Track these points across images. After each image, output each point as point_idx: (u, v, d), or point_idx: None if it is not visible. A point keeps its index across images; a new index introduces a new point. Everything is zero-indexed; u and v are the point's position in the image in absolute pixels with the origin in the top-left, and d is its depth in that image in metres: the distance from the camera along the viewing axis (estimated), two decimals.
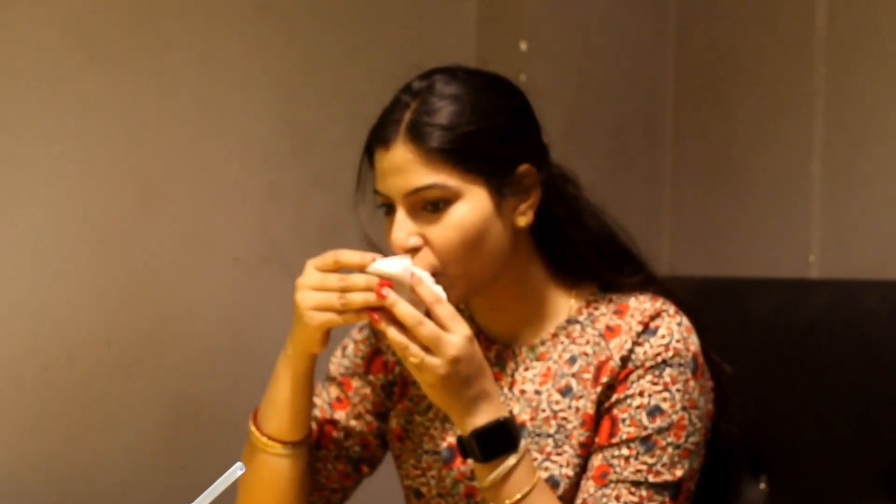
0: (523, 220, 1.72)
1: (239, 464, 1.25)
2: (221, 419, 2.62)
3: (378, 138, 1.75)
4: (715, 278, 2.51)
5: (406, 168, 1.69)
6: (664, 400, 1.67)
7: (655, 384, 1.68)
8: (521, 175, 1.71)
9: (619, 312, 1.73)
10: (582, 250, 1.77)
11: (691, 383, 1.69)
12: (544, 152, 1.76)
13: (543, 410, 1.72)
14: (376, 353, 1.85)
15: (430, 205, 1.68)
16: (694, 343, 1.71)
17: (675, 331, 1.70)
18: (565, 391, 1.72)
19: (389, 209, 1.73)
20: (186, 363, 2.66)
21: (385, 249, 1.76)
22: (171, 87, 2.66)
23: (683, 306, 1.74)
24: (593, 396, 1.70)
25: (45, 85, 2.55)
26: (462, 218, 1.68)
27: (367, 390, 1.84)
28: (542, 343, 1.76)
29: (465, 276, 1.69)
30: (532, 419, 1.72)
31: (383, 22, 2.86)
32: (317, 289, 1.69)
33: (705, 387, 1.72)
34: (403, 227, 1.70)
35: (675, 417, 1.67)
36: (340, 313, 1.67)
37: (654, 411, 1.67)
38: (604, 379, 1.70)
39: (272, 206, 2.76)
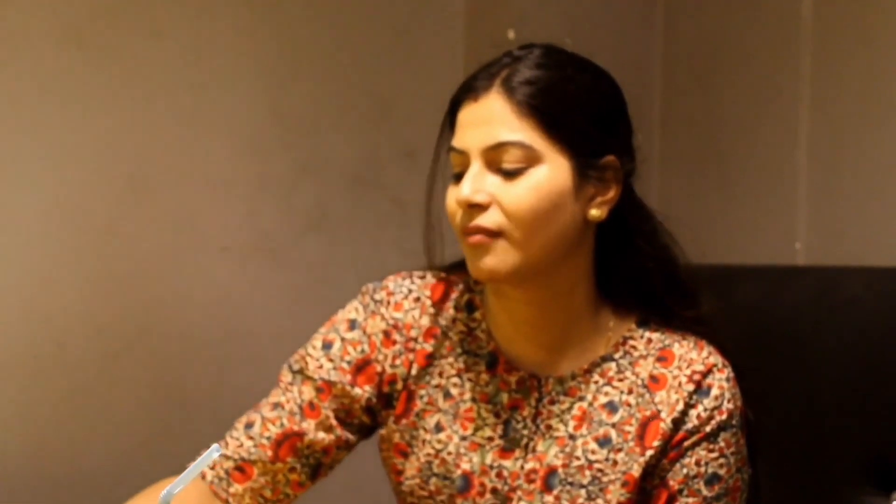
0: (597, 213, 1.61)
1: (216, 445, 1.27)
2: (210, 407, 2.63)
3: (469, 89, 1.62)
4: (701, 265, 2.51)
5: (493, 119, 1.57)
6: (720, 466, 1.61)
7: (711, 451, 1.60)
8: (606, 165, 1.61)
9: (663, 360, 1.63)
10: (647, 267, 1.65)
11: (741, 441, 1.63)
12: (633, 155, 1.66)
13: (578, 458, 1.62)
14: (367, 363, 1.68)
15: (508, 168, 1.56)
16: (740, 397, 1.64)
17: (727, 389, 1.62)
18: (603, 441, 1.62)
19: (458, 177, 1.60)
20: (175, 352, 2.66)
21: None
22: (159, 76, 2.66)
23: (725, 351, 1.66)
24: (640, 460, 1.60)
25: (32, 75, 2.55)
26: (540, 182, 1.56)
27: (347, 402, 1.67)
28: (573, 377, 1.64)
29: (526, 245, 1.56)
30: (565, 465, 1.62)
31: (371, 11, 2.86)
32: None
33: (745, 433, 1.67)
34: (474, 182, 1.57)
35: (731, 482, 1.62)
36: None
37: (712, 479, 1.60)
38: (655, 442, 1.60)
39: (260, 195, 2.76)
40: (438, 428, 1.66)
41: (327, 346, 1.69)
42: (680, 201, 2.86)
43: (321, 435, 1.66)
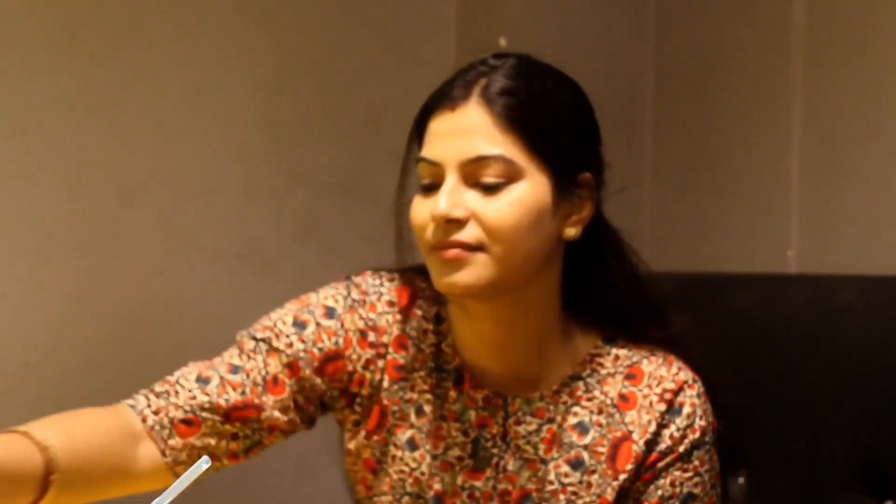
0: (571, 232, 1.55)
1: (204, 458, 1.22)
2: None
3: (444, 97, 1.53)
4: (694, 273, 2.51)
5: (473, 132, 1.50)
6: (696, 485, 1.58)
7: (686, 471, 1.57)
8: (582, 182, 1.55)
9: (632, 378, 1.59)
10: (617, 286, 1.60)
11: (714, 457, 1.60)
12: (603, 171, 1.59)
13: (551, 482, 1.58)
14: (339, 356, 1.60)
15: (488, 183, 1.50)
16: (711, 412, 1.60)
17: (698, 405, 1.58)
18: (576, 463, 1.58)
19: (428, 189, 1.53)
20: (165, 360, 2.63)
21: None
22: (149, 85, 2.66)
23: (695, 365, 1.61)
24: (614, 483, 1.57)
25: (23, 83, 2.54)
26: (521, 197, 1.50)
27: (307, 387, 1.59)
28: (541, 398, 1.59)
29: (505, 261, 1.50)
30: (538, 490, 1.58)
31: (363, 18, 2.86)
32: None
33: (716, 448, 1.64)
34: (451, 197, 1.50)
35: (706, 500, 1.59)
36: None
37: (688, 499, 1.58)
38: (628, 466, 1.57)
39: (250, 204, 2.76)
40: (412, 446, 1.61)
41: (300, 325, 1.60)
42: (672, 209, 2.86)
43: (276, 414, 1.57)
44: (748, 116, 2.66)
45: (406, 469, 1.61)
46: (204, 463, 1.20)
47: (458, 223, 1.50)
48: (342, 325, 1.60)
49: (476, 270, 1.50)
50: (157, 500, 1.20)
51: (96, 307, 2.61)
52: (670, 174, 2.87)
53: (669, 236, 2.86)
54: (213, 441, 1.55)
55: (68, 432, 1.46)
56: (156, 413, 1.54)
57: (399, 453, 1.61)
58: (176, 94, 2.68)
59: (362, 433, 1.62)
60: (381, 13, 2.87)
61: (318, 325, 1.60)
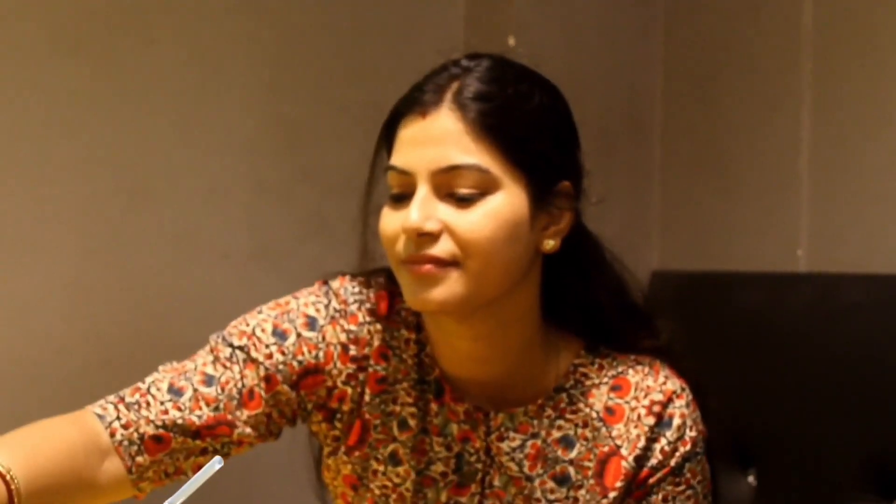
0: (550, 244, 1.49)
1: (217, 458, 1.21)
2: None
3: (413, 102, 1.47)
4: (703, 272, 2.51)
5: (445, 139, 1.43)
6: (688, 498, 1.52)
7: (678, 485, 1.52)
8: (560, 192, 1.49)
9: (618, 389, 1.53)
10: (600, 299, 1.54)
11: (706, 466, 1.55)
12: (582, 179, 1.53)
13: (538, 500, 1.52)
14: (318, 370, 1.54)
15: (462, 194, 1.43)
16: (700, 420, 1.55)
17: (688, 416, 1.52)
18: (562, 479, 1.53)
19: (398, 199, 1.47)
20: (176, 359, 2.65)
21: (377, 253, 1.55)
22: (156, 83, 2.66)
23: (683, 370, 1.57)
24: (603, 501, 1.52)
25: (29, 82, 2.55)
26: (497, 210, 1.43)
27: (283, 401, 1.53)
28: (525, 413, 1.53)
29: (480, 277, 1.43)
30: None
31: (370, 17, 2.85)
32: None
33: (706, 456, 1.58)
34: (423, 208, 1.43)
35: None
36: None
37: None
38: (617, 483, 1.51)
39: (259, 202, 2.76)
40: (396, 461, 1.55)
41: (280, 335, 1.53)
42: (681, 208, 2.86)
43: (248, 430, 1.51)
44: (757, 115, 2.66)
45: (389, 484, 1.55)
46: (217, 463, 1.19)
47: (431, 236, 1.43)
48: (323, 339, 1.53)
49: (450, 287, 1.43)
50: (168, 500, 1.19)
51: (104, 304, 2.61)
52: (678, 172, 2.87)
53: (678, 235, 2.86)
54: (181, 456, 1.50)
55: (32, 457, 1.40)
56: (125, 427, 1.48)
57: (381, 468, 1.55)
58: (184, 92, 2.68)
59: (342, 449, 1.56)
60: (389, 12, 2.87)
61: (298, 335, 1.53)
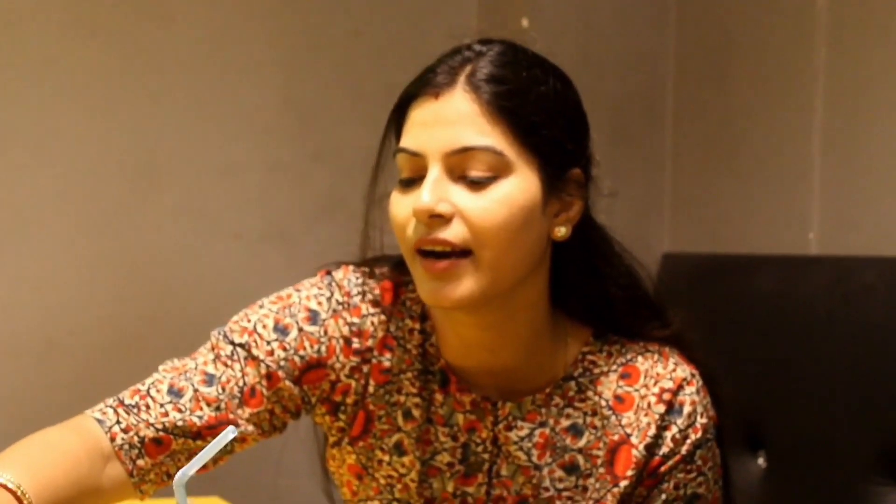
0: (561, 232, 1.46)
1: (231, 427, 1.20)
2: None
3: (425, 84, 1.44)
4: (715, 255, 2.51)
5: (459, 121, 1.40)
6: (699, 485, 1.51)
7: (689, 472, 1.50)
8: (572, 179, 1.46)
9: (627, 377, 1.52)
10: (609, 290, 1.52)
11: (717, 452, 1.54)
12: (592, 167, 1.51)
13: (547, 489, 1.51)
14: (320, 365, 1.51)
15: (474, 177, 1.40)
16: (711, 406, 1.53)
17: (699, 402, 1.51)
18: (570, 468, 1.51)
19: (408, 183, 1.44)
20: (188, 339, 2.65)
21: (388, 239, 1.53)
22: (172, 64, 2.67)
23: (693, 355, 1.55)
24: (615, 490, 1.50)
25: (46, 61, 2.55)
26: (511, 195, 1.40)
27: (285, 397, 1.51)
28: (533, 402, 1.51)
29: (495, 266, 1.40)
30: (534, 496, 1.51)
31: (384, 0, 2.86)
32: None
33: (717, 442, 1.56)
34: (435, 190, 1.39)
35: (710, 497, 1.53)
36: None
37: (692, 500, 1.51)
38: (628, 472, 1.50)
39: (273, 183, 2.77)
40: (400, 451, 1.53)
41: (282, 330, 1.51)
42: (694, 191, 2.86)
43: (250, 428, 1.49)
44: (770, 99, 2.66)
45: (394, 474, 1.54)
46: (231, 432, 1.19)
47: (443, 219, 1.40)
48: (325, 332, 1.52)
49: (466, 283, 1.40)
50: (182, 469, 1.20)
51: (119, 285, 2.62)
52: (692, 156, 2.87)
53: (691, 218, 2.86)
54: (182, 457, 1.47)
55: (39, 471, 1.38)
56: (125, 431, 1.46)
57: (386, 458, 1.54)
58: (199, 74, 2.68)
59: (346, 439, 1.55)
60: None
61: (300, 330, 1.51)
